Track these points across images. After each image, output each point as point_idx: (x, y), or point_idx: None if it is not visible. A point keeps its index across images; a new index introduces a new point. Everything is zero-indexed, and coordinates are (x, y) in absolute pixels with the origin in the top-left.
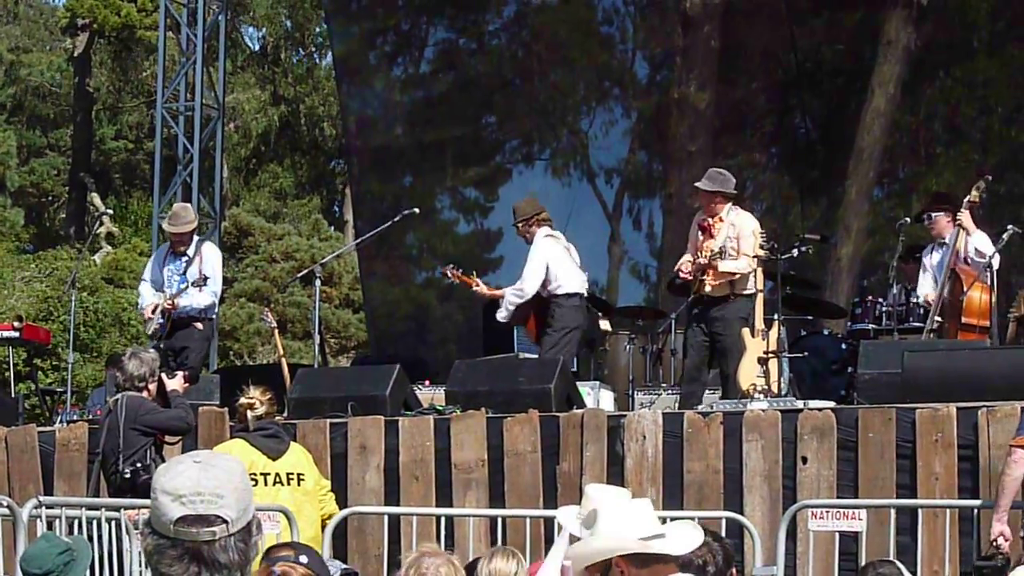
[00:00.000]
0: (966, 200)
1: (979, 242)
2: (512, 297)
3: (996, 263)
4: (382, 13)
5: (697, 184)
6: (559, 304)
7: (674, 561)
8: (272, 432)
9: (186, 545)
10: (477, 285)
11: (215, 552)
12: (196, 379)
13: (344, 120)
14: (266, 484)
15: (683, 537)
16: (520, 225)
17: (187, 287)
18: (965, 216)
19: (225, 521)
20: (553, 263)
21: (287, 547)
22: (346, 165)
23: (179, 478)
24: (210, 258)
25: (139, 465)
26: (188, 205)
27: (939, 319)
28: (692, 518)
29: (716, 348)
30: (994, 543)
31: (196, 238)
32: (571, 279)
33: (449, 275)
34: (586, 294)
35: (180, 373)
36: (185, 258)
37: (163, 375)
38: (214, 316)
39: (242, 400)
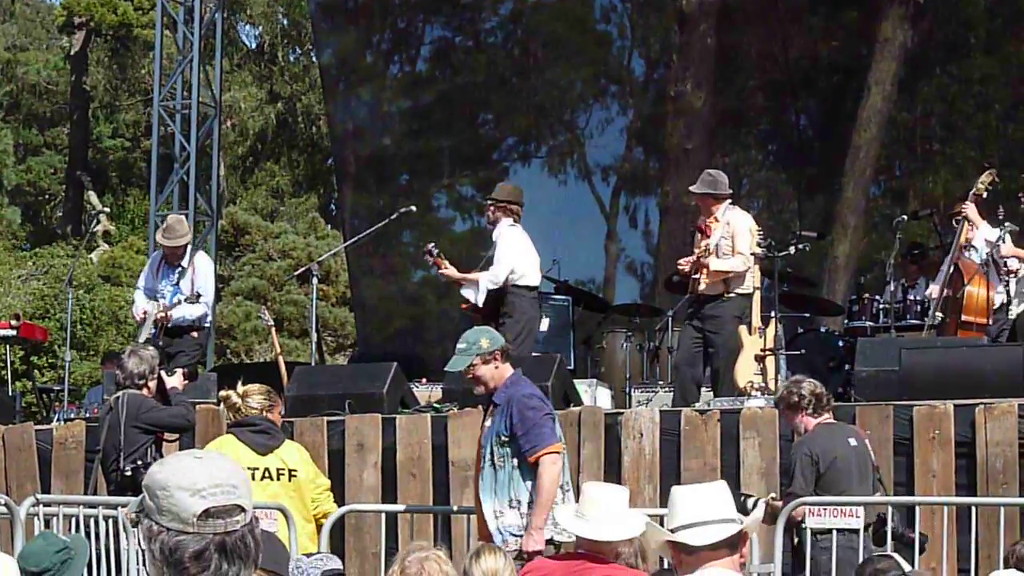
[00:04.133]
0: (971, 192)
1: (989, 234)
2: (487, 283)
3: (1004, 255)
4: (378, 11)
5: (690, 188)
6: (519, 295)
7: (725, 546)
8: (262, 428)
9: (209, 537)
10: (446, 268)
11: (237, 542)
12: (195, 376)
13: (331, 129)
14: (254, 479)
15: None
16: (491, 203)
17: (179, 301)
18: (970, 208)
19: (244, 510)
20: (523, 254)
21: None
22: (336, 170)
23: (191, 473)
24: (203, 269)
25: (140, 463)
26: (183, 217)
27: (940, 315)
28: None
29: (707, 346)
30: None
31: (189, 248)
32: (534, 272)
33: (432, 255)
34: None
35: (179, 370)
36: (179, 269)
37: (163, 373)
38: (208, 324)
39: (234, 398)
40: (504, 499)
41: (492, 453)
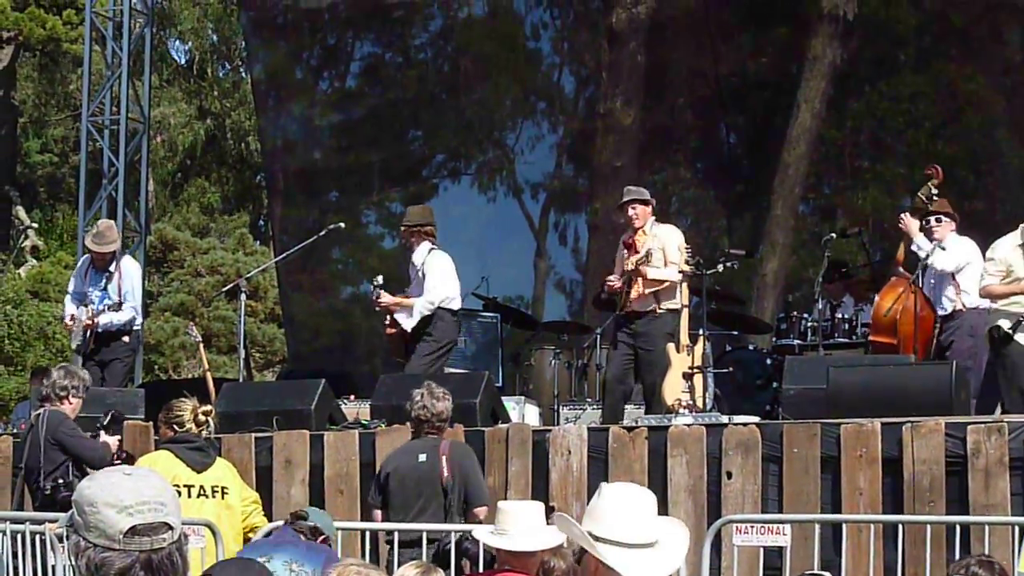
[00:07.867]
0: (912, 205)
1: (926, 247)
2: (423, 309)
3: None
4: (308, 27)
5: (620, 202)
6: (443, 318)
7: None
8: (198, 445)
9: (135, 555)
10: (384, 298)
11: (164, 560)
12: (132, 371)
13: (263, 144)
14: (190, 496)
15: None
16: (404, 229)
17: (105, 309)
18: (904, 222)
19: (171, 528)
20: (453, 280)
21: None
22: (267, 184)
23: (118, 489)
24: (129, 273)
25: (60, 481)
26: (113, 224)
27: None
28: None
29: (640, 363)
30: None
31: (118, 254)
32: (458, 296)
33: (380, 298)
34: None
35: (115, 438)
36: (106, 274)
37: (103, 433)
38: (138, 328)
39: (203, 407)
40: None
41: None
